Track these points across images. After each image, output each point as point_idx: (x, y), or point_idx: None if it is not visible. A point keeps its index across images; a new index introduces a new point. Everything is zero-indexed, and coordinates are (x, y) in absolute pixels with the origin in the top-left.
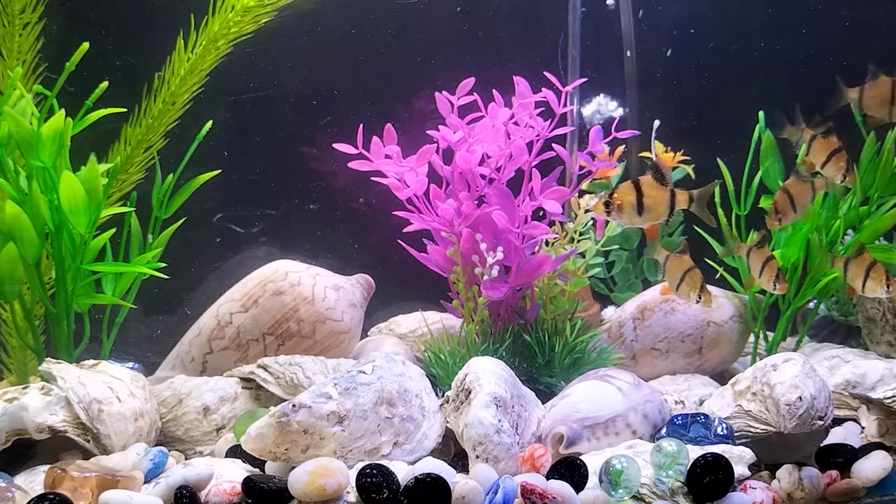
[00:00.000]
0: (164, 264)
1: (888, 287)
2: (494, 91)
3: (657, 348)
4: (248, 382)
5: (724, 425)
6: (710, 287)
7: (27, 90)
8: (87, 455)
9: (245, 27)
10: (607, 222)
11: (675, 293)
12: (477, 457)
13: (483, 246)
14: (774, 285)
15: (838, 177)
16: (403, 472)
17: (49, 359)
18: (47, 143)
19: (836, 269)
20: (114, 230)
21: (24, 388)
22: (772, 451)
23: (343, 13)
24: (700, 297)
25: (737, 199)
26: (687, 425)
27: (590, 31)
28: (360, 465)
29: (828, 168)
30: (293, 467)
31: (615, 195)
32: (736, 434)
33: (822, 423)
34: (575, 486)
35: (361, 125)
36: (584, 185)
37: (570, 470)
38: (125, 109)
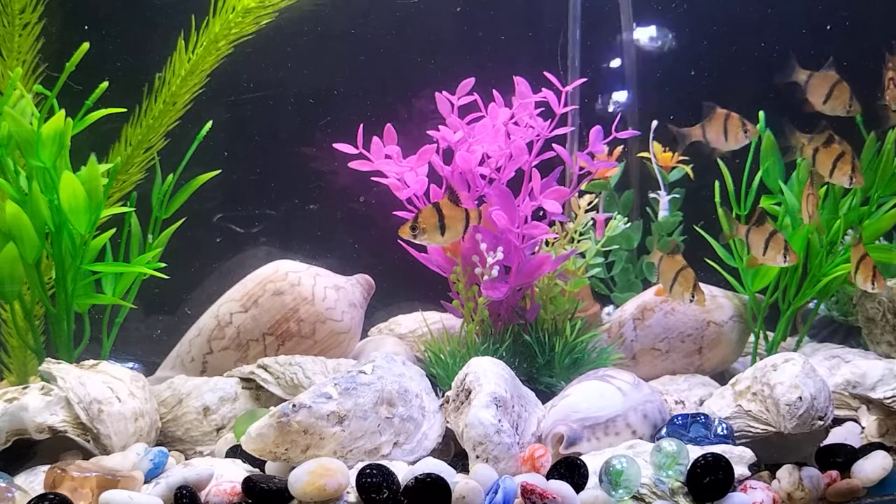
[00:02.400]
0: (164, 264)
1: (873, 283)
2: (494, 91)
3: (657, 348)
4: (248, 382)
5: (724, 425)
6: (710, 287)
7: (27, 90)
8: (87, 455)
9: (246, 28)
10: (607, 222)
11: (668, 294)
12: (477, 457)
13: (483, 246)
14: (785, 258)
15: (845, 180)
16: (403, 472)
17: (49, 359)
18: (47, 143)
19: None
20: (114, 230)
21: (24, 389)
22: (772, 451)
23: (343, 13)
24: (693, 297)
25: (737, 199)
26: (687, 425)
27: (590, 31)
28: (360, 465)
29: (835, 175)
30: (293, 467)
31: (419, 219)
32: (736, 434)
33: (822, 423)
34: (575, 487)
35: (361, 125)
36: (584, 186)
37: (570, 470)
38: (125, 110)
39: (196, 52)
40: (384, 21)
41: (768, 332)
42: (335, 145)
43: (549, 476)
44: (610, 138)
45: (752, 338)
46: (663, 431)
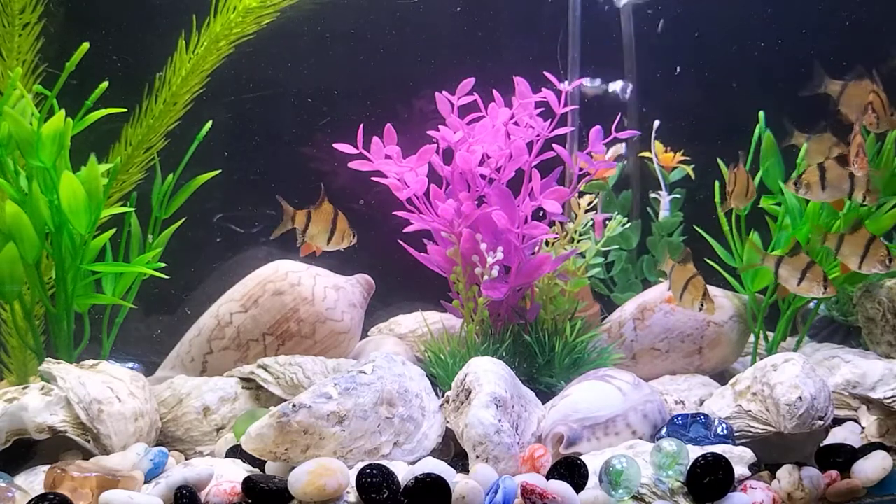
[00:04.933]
0: (164, 264)
1: (889, 262)
2: (494, 91)
3: (657, 348)
4: (248, 382)
5: (724, 425)
6: (710, 287)
7: (27, 90)
8: (87, 455)
9: (247, 28)
10: (606, 222)
11: (678, 302)
12: (477, 457)
13: (483, 246)
14: (825, 289)
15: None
16: (403, 472)
17: (49, 359)
18: (47, 143)
19: (827, 246)
20: (114, 230)
21: (24, 389)
22: (772, 451)
23: (343, 13)
24: (703, 305)
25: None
26: (687, 425)
27: (590, 31)
28: (360, 465)
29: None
30: (293, 467)
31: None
32: (736, 434)
33: (822, 423)
34: (575, 487)
35: (361, 125)
36: (583, 187)
37: (570, 470)
38: (125, 110)
39: (197, 53)
40: (384, 21)
41: (768, 332)
42: (335, 145)
43: (549, 476)
44: (610, 138)
45: (752, 338)
46: (663, 431)
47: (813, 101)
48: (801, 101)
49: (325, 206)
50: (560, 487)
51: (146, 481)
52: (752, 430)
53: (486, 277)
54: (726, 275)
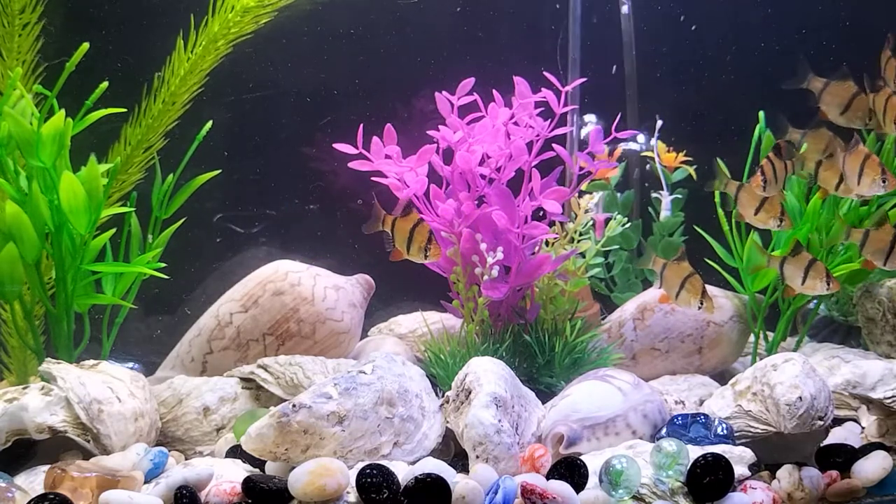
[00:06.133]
0: (163, 264)
1: (701, 302)
2: (494, 91)
3: (657, 348)
4: (248, 382)
5: (724, 425)
6: (710, 287)
7: (27, 90)
8: (87, 455)
9: (245, 27)
10: (607, 222)
11: (674, 301)
12: (477, 457)
13: (483, 246)
14: (828, 285)
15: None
16: (403, 472)
17: (49, 359)
18: (47, 143)
19: (852, 241)
20: (114, 230)
21: (24, 389)
22: (772, 451)
23: (343, 13)
24: (702, 304)
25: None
26: (687, 425)
27: (589, 32)
28: (360, 465)
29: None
30: (293, 467)
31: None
32: (736, 434)
33: (822, 423)
34: (575, 487)
35: (361, 125)
36: (584, 186)
37: (570, 470)
38: (125, 109)
39: (195, 52)
40: (384, 21)
41: (768, 332)
42: (335, 145)
43: (549, 476)
44: (610, 138)
45: (752, 338)
46: (663, 431)
47: (811, 99)
48: (800, 100)
49: (410, 216)
50: (560, 487)
51: (146, 481)
52: (752, 430)
53: (486, 277)
54: (726, 275)
